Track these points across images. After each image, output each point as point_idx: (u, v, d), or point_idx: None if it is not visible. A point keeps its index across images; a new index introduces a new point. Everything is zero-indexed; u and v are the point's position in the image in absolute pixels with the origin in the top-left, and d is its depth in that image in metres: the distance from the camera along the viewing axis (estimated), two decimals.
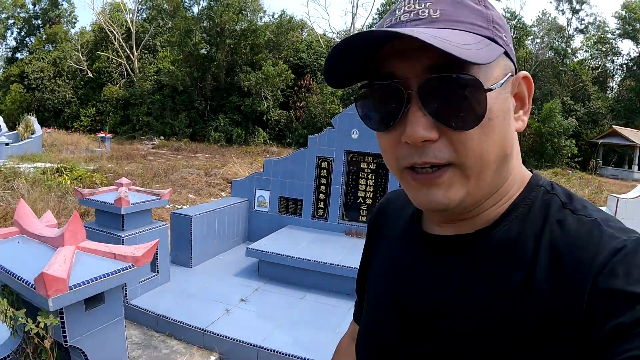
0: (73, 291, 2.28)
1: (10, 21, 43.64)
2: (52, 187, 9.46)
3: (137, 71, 34.90)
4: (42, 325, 2.23)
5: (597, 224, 0.65)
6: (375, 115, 0.70)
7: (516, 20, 33.11)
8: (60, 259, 2.32)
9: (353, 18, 39.53)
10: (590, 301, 0.58)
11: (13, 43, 44.65)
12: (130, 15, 37.23)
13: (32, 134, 18.39)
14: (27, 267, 2.34)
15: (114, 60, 35.53)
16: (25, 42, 43.77)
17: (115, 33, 35.20)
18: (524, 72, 0.73)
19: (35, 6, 42.95)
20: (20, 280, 2.27)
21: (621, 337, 0.54)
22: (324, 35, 38.51)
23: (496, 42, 0.66)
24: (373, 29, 0.62)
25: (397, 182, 2.91)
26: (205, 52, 30.86)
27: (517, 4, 77.15)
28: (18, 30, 43.95)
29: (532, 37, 33.43)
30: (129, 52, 35.59)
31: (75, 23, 44.16)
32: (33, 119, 19.53)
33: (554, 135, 26.61)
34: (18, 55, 43.63)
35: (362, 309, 0.98)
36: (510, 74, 0.69)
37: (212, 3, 30.33)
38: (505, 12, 33.88)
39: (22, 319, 2.30)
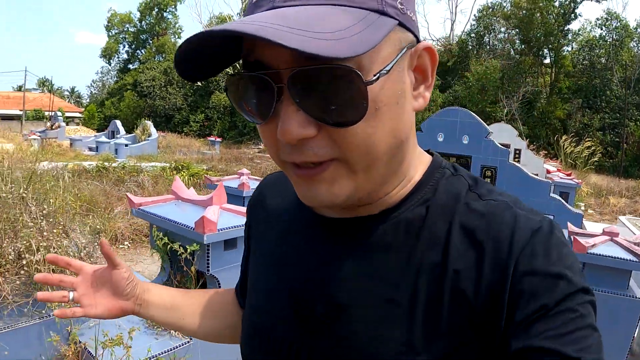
0: (219, 233, 3.25)
1: (121, 36, 47.48)
2: (173, 181, 10.89)
3: None
4: (189, 251, 3.41)
5: (508, 206, 0.64)
6: (248, 108, 0.61)
7: (618, 21, 32.56)
8: (211, 213, 3.39)
9: (452, 25, 40.29)
10: (512, 283, 0.57)
11: (125, 56, 48.44)
12: None
13: (148, 137, 20.00)
14: (185, 218, 3.52)
15: None
16: (135, 54, 47.46)
17: None
18: (425, 43, 0.63)
19: (141, 22, 46.50)
20: (182, 225, 3.42)
21: (541, 318, 0.54)
22: None
23: (385, 14, 0.56)
24: (223, 26, 0.50)
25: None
26: None
27: (620, 5, 73.96)
28: (129, 44, 47.71)
29: (636, 39, 32.74)
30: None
31: (180, 34, 47.42)
32: (149, 123, 21.35)
33: None
34: (130, 66, 47.31)
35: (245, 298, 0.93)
36: (405, 48, 0.59)
37: None
38: (605, 13, 33.35)
39: (180, 247, 3.48)
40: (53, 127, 23.07)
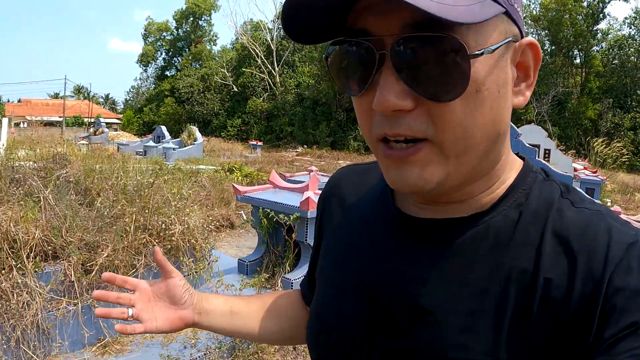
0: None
1: (158, 43, 49.47)
2: (230, 180, 11.60)
3: (279, 85, 38.55)
4: (292, 219, 4.70)
5: (602, 216, 0.60)
6: (346, 78, 0.60)
7: None
8: (312, 194, 4.66)
9: None
10: (605, 297, 0.54)
11: (162, 62, 50.40)
12: (270, 34, 41.05)
13: (194, 141, 21.16)
14: (286, 200, 4.86)
15: (257, 75, 39.46)
16: (172, 61, 49.41)
17: (257, 51, 39.08)
18: (529, 38, 0.61)
19: (178, 30, 48.37)
20: (286, 205, 4.73)
21: (630, 335, 0.52)
22: None
23: (496, 0, 0.55)
24: None
25: None
26: None
27: None
28: (166, 51, 49.66)
29: None
30: (270, 68, 39.33)
31: (216, 41, 49.36)
32: (195, 128, 22.59)
33: None
34: (167, 73, 49.24)
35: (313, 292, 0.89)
36: (510, 38, 0.58)
37: None
38: (633, 12, 33.59)
39: (285, 217, 4.76)
40: (96, 133, 24.66)
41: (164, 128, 22.92)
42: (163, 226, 4.53)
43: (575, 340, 0.56)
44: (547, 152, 11.80)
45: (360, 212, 0.82)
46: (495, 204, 0.65)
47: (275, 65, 39.53)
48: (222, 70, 40.77)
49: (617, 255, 0.56)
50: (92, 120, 44.10)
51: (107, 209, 4.37)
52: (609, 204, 12.65)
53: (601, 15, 31.69)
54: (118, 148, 20.16)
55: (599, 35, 32.61)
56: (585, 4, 31.11)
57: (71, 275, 3.60)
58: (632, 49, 31.02)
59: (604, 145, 21.71)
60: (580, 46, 31.15)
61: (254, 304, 1.03)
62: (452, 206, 0.67)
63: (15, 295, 3.31)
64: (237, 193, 5.43)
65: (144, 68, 52.12)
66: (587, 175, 11.57)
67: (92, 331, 3.63)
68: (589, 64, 30.84)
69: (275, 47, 39.59)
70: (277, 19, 41.19)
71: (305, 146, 32.44)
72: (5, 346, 3.23)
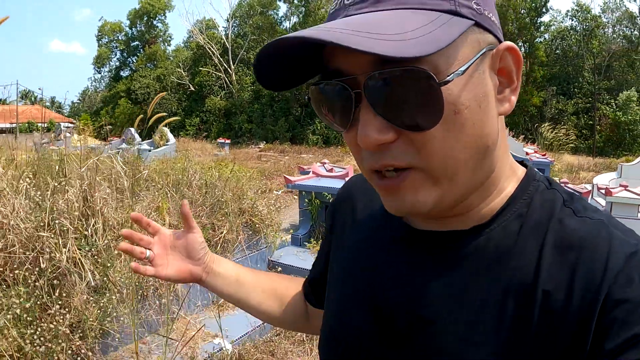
0: None
1: (113, 44, 48.79)
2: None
3: (235, 83, 38.77)
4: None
5: (604, 225, 0.60)
6: (330, 116, 0.62)
7: (587, 12, 34.52)
8: None
9: None
10: (604, 309, 0.54)
11: (117, 63, 49.73)
12: (224, 32, 41.22)
13: (167, 142, 21.72)
14: (331, 184, 6.28)
15: (213, 74, 39.57)
16: (127, 61, 48.77)
17: (213, 50, 39.20)
18: (507, 43, 0.60)
19: (132, 29, 47.83)
20: (331, 188, 6.17)
21: (632, 348, 0.51)
22: None
23: (459, 15, 0.55)
24: (297, 33, 0.52)
25: None
26: None
27: None
28: (120, 52, 49.02)
29: (602, 27, 34.76)
30: (226, 66, 39.50)
31: (170, 41, 48.87)
32: (166, 129, 22.89)
33: (631, 124, 28.12)
34: (121, 73, 48.62)
35: (324, 296, 0.89)
36: (485, 49, 0.57)
37: (302, 19, 33.77)
38: (575, 4, 35.42)
39: (330, 197, 6.00)
40: (58, 138, 24.38)
41: (133, 130, 22.99)
42: (252, 208, 6.07)
43: (573, 352, 0.55)
44: None
45: (369, 222, 0.82)
46: (495, 215, 0.65)
47: (231, 63, 39.71)
48: (179, 70, 40.64)
49: (616, 266, 0.55)
50: (45, 125, 43.32)
51: (206, 198, 5.69)
52: (557, 180, 13.85)
53: (544, 9, 33.37)
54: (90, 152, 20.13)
55: (542, 27, 34.30)
56: None
57: None
58: (573, 39, 32.85)
59: (549, 130, 23.17)
60: (524, 38, 32.63)
61: (262, 280, 1.06)
62: (453, 219, 0.67)
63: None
64: (287, 182, 7.42)
65: (98, 70, 51.28)
66: (537, 157, 12.75)
67: (211, 294, 4.60)
68: (533, 54, 32.34)
69: (231, 45, 39.75)
70: (232, 17, 41.44)
71: (265, 142, 32.90)
72: (156, 308, 4.17)
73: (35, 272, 3.37)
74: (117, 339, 3.69)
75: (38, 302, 3.23)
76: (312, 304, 1.03)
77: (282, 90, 0.65)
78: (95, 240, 3.93)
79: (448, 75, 0.54)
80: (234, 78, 39.24)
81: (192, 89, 40.47)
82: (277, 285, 1.07)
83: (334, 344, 0.78)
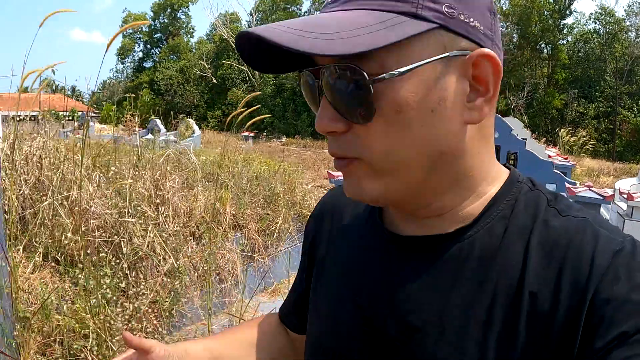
0: None
1: (136, 36, 49.53)
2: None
3: (258, 76, 39.30)
4: None
5: (589, 223, 0.60)
6: (309, 101, 0.66)
7: (610, 16, 34.50)
8: None
9: None
10: (592, 308, 0.54)
11: (140, 54, 50.48)
12: (248, 25, 41.63)
13: (192, 134, 22.20)
14: None
15: (235, 67, 40.12)
16: (150, 53, 49.48)
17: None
18: (484, 50, 0.58)
19: (155, 21, 48.48)
20: None
21: (620, 345, 0.51)
22: None
23: (419, 17, 0.55)
24: (249, 29, 0.54)
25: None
26: None
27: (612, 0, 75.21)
28: (143, 43, 49.75)
29: (625, 31, 34.68)
30: None
31: (193, 33, 49.51)
32: (192, 121, 23.32)
33: None
34: (145, 64, 49.36)
35: (306, 316, 0.88)
36: (450, 53, 0.56)
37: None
38: (598, 8, 35.35)
39: None
40: (81, 127, 24.91)
41: (158, 121, 23.49)
42: (302, 200, 6.63)
43: (563, 352, 0.55)
44: (523, 140, 13.33)
45: (353, 231, 0.82)
46: (478, 217, 0.65)
47: None
48: (202, 62, 41.24)
49: (602, 265, 0.55)
50: (67, 114, 44.16)
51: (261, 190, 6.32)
52: (577, 184, 14.19)
53: (567, 11, 33.42)
54: (115, 141, 20.60)
55: (565, 29, 34.36)
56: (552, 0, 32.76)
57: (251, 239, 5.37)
58: (596, 43, 32.83)
59: (569, 134, 23.43)
60: (547, 40, 32.75)
61: (233, 343, 1.00)
62: (434, 220, 0.67)
63: (220, 256, 4.72)
64: (330, 177, 7.52)
65: (122, 61, 52.06)
66: (560, 161, 13.08)
67: (264, 280, 5.05)
68: (556, 56, 32.49)
69: None
70: (255, 11, 41.93)
71: (286, 136, 33.38)
72: (218, 291, 4.58)
73: (118, 256, 3.78)
74: (186, 318, 4.13)
75: (120, 284, 3.61)
76: (293, 328, 1.01)
77: (270, 73, 0.67)
78: (167, 226, 4.38)
79: (386, 74, 0.55)
80: (257, 72, 39.74)
81: (215, 81, 41.09)
82: (250, 340, 1.01)
83: (323, 355, 0.77)
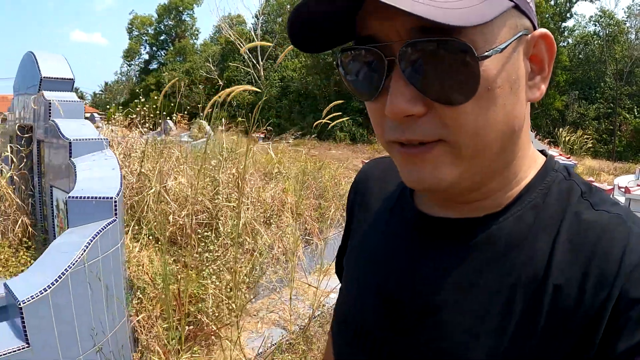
0: None
1: (143, 38, 50.19)
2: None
3: (264, 78, 39.93)
4: None
5: (622, 220, 0.58)
6: (358, 84, 0.61)
7: (610, 19, 35.02)
8: None
9: None
10: (618, 308, 0.52)
11: (145, 56, 51.12)
12: (253, 28, 42.40)
13: (205, 134, 22.96)
14: None
15: (241, 69, 40.76)
16: (156, 55, 50.12)
17: (242, 45, 40.42)
18: (542, 30, 0.60)
19: (160, 24, 49.13)
20: None
21: None
22: None
23: None
24: None
25: None
26: (331, 60, 35.46)
27: (612, 2, 75.94)
28: (149, 45, 50.38)
29: (625, 33, 35.20)
30: (254, 62, 40.68)
31: (198, 35, 50.11)
32: (204, 122, 24.09)
33: None
34: (150, 66, 49.99)
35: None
36: (521, 32, 0.57)
37: None
38: (598, 10, 35.91)
39: None
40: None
41: (170, 122, 24.12)
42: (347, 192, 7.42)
43: (581, 349, 0.54)
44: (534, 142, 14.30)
45: (382, 208, 0.82)
46: (510, 203, 0.64)
47: (260, 59, 40.87)
48: (208, 64, 41.90)
49: (632, 263, 0.53)
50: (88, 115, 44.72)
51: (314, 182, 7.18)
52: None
53: (568, 14, 34.05)
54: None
55: (566, 32, 34.97)
56: (552, 2, 33.33)
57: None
58: (596, 45, 33.43)
59: (570, 135, 24.10)
60: None
61: None
62: (468, 206, 0.66)
63: (286, 239, 5.52)
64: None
65: (129, 63, 52.68)
66: (563, 160, 13.90)
67: (317, 260, 5.87)
68: (557, 58, 32.98)
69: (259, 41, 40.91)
70: (261, 14, 42.54)
71: (294, 138, 34.00)
72: (281, 271, 5.22)
73: (214, 236, 4.51)
74: (267, 289, 4.98)
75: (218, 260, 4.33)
76: None
77: (312, 52, 0.64)
78: (246, 213, 5.13)
79: (487, 51, 0.53)
80: (262, 74, 40.41)
81: (221, 83, 41.69)
82: None
83: (345, 328, 0.79)
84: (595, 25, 34.71)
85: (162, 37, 49.55)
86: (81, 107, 4.58)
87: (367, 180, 0.91)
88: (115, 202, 3.04)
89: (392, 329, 0.70)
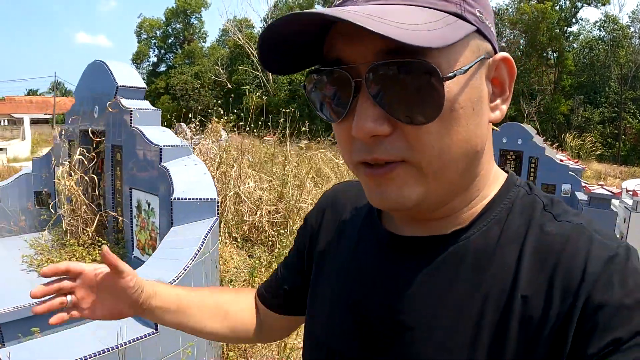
0: None
1: (152, 41, 50.76)
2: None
3: (272, 82, 40.47)
4: None
5: (583, 229, 0.60)
6: (325, 105, 0.63)
7: (614, 24, 35.41)
8: None
9: None
10: (585, 314, 0.54)
11: (154, 59, 51.71)
12: (260, 31, 42.85)
13: (220, 137, 23.42)
14: None
15: (250, 72, 41.29)
16: (164, 58, 50.71)
17: (252, 49, 40.93)
18: (503, 54, 0.62)
19: (167, 27, 49.69)
20: None
21: (615, 352, 0.52)
22: None
23: (464, 19, 0.57)
24: (312, 10, 0.53)
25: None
26: None
27: (617, 7, 76.36)
28: (158, 48, 50.95)
29: (629, 37, 35.58)
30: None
31: (205, 38, 50.69)
32: (219, 126, 24.55)
33: None
34: (158, 69, 50.55)
35: (304, 306, 0.89)
36: (483, 56, 0.59)
37: None
38: (603, 15, 36.39)
39: None
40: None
41: (183, 125, 24.55)
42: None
43: (552, 358, 0.55)
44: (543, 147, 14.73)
45: (351, 229, 0.83)
46: (474, 219, 0.66)
47: None
48: (217, 67, 42.43)
49: (595, 271, 0.55)
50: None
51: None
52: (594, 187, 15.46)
53: (573, 19, 34.54)
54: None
55: (571, 37, 35.46)
56: (557, 7, 33.81)
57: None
58: (601, 49, 33.90)
59: (575, 139, 24.60)
60: (554, 47, 33.82)
61: (205, 300, 1.02)
62: (434, 223, 0.68)
63: None
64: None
65: (137, 66, 53.17)
66: (572, 165, 14.40)
67: None
68: (562, 63, 33.50)
69: None
70: (269, 17, 43.03)
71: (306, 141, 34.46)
72: None
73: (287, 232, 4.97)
74: None
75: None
76: (272, 308, 1.02)
77: (279, 74, 0.66)
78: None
79: (450, 73, 0.55)
80: (270, 77, 40.94)
81: (229, 86, 42.21)
82: (220, 301, 1.04)
83: (317, 349, 0.79)
84: (600, 30, 35.28)
85: (169, 40, 50.11)
86: (158, 115, 5.06)
87: (336, 200, 0.93)
88: (218, 202, 3.52)
89: (365, 349, 0.70)
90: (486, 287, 0.62)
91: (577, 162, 15.46)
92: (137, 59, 51.44)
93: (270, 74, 40.66)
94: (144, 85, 5.30)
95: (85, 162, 5.60)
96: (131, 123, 4.69)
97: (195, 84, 42.65)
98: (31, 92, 70.58)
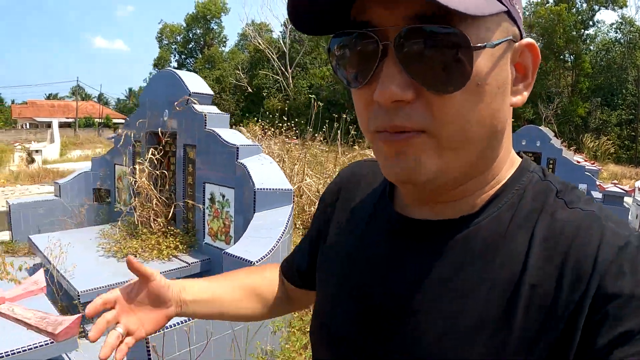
0: None
1: (173, 46, 51.93)
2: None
3: (292, 86, 41.31)
4: None
5: (596, 217, 0.59)
6: (348, 70, 0.61)
7: (631, 25, 35.49)
8: None
9: None
10: (595, 303, 0.53)
11: (175, 64, 52.81)
12: (282, 36, 43.78)
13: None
14: None
15: (271, 77, 42.18)
16: (185, 63, 51.83)
17: (272, 53, 41.82)
18: (528, 39, 0.62)
19: (188, 32, 50.79)
20: None
21: (625, 343, 0.50)
22: None
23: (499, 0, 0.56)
24: None
25: None
26: None
27: (633, 9, 75.95)
28: (178, 53, 52.11)
29: None
30: (283, 69, 42.08)
31: (225, 42, 51.73)
32: (243, 130, 25.23)
33: None
34: None
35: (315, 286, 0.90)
36: (511, 37, 0.59)
37: None
38: (619, 17, 36.57)
39: None
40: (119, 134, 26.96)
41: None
42: None
43: (561, 347, 0.55)
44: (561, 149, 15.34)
45: (362, 210, 0.83)
46: (485, 204, 0.65)
47: (288, 67, 42.24)
48: (237, 72, 43.35)
49: (607, 259, 0.54)
50: (100, 121, 46.63)
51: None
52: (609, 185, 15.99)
53: (590, 22, 34.86)
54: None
55: (588, 40, 35.79)
56: (574, 10, 34.16)
57: None
58: (617, 52, 34.18)
59: (592, 140, 25.07)
60: (571, 50, 34.18)
61: (236, 284, 1.03)
62: (445, 205, 0.67)
63: None
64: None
65: (159, 71, 53.97)
66: (588, 166, 15.01)
67: None
68: (579, 66, 33.78)
69: (288, 50, 42.29)
70: (289, 22, 43.64)
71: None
72: None
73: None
74: None
75: None
76: (294, 283, 1.05)
77: (310, 34, 0.63)
78: None
79: (480, 43, 0.54)
80: (291, 81, 41.78)
81: (250, 90, 43.14)
82: (250, 283, 1.05)
83: (323, 331, 0.80)
84: (617, 32, 35.54)
85: (190, 45, 51.22)
86: (227, 118, 5.81)
87: (350, 180, 0.92)
88: (293, 192, 4.28)
89: (369, 332, 0.70)
90: (493, 274, 0.61)
91: (593, 164, 16.07)
92: (159, 64, 52.58)
93: (290, 78, 41.78)
94: (212, 92, 6.05)
95: (154, 160, 6.32)
96: (205, 125, 5.44)
97: (217, 88, 43.59)
98: (51, 96, 72.19)
